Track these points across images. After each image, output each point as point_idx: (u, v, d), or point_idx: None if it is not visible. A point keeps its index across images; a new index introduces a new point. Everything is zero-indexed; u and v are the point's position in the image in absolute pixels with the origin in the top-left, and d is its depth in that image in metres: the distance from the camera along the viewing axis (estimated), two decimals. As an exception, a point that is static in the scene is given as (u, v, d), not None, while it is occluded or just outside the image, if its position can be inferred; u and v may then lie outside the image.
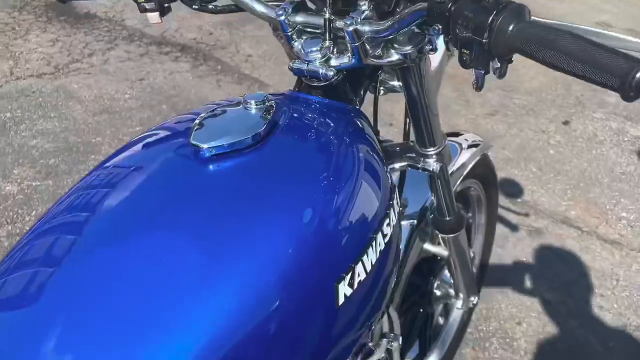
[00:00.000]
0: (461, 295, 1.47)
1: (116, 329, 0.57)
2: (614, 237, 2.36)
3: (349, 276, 0.67)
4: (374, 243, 0.72)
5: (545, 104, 3.38)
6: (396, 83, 0.99)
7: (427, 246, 1.30)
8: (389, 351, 0.81)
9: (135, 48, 3.61)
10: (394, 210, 0.79)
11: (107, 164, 0.75)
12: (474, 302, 1.50)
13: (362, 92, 0.92)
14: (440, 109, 1.02)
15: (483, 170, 1.58)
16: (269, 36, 0.95)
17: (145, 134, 0.80)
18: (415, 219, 1.26)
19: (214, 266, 0.61)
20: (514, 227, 2.41)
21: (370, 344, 0.80)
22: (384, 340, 0.81)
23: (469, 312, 1.83)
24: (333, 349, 0.71)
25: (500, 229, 2.39)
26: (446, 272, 1.50)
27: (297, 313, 0.63)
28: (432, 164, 1.02)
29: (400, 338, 0.83)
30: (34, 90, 3.12)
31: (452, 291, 1.50)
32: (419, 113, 0.95)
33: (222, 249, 0.62)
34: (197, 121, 0.74)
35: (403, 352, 1.64)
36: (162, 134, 0.78)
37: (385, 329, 0.87)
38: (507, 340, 1.92)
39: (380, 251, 0.73)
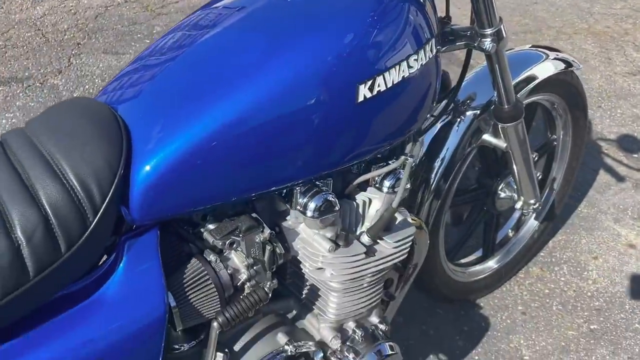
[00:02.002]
0: (522, 197, 1.59)
1: (210, 82, 0.88)
2: None
3: (370, 82, 0.90)
4: (397, 67, 0.93)
5: (699, 71, 3.12)
6: (466, -30, 1.16)
7: (487, 137, 1.45)
8: (404, 166, 1.01)
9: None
10: (424, 54, 0.98)
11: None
12: (534, 207, 1.61)
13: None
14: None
15: (569, 90, 1.65)
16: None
17: None
18: (478, 109, 1.42)
19: (275, 51, 0.88)
20: (620, 178, 2.38)
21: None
22: (403, 157, 1.01)
23: (540, 232, 1.92)
24: (354, 144, 0.95)
25: (604, 176, 2.38)
26: (511, 177, 1.62)
27: (326, 96, 0.88)
28: (487, 44, 1.17)
29: (416, 159, 1.01)
30: (201, 8, 3.64)
31: (515, 195, 1.63)
32: (478, -8, 1.11)
33: (282, 42, 0.89)
34: None
35: (463, 250, 1.82)
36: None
37: (408, 150, 1.07)
38: (578, 269, 1.98)
39: (403, 77, 0.94)
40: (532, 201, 1.59)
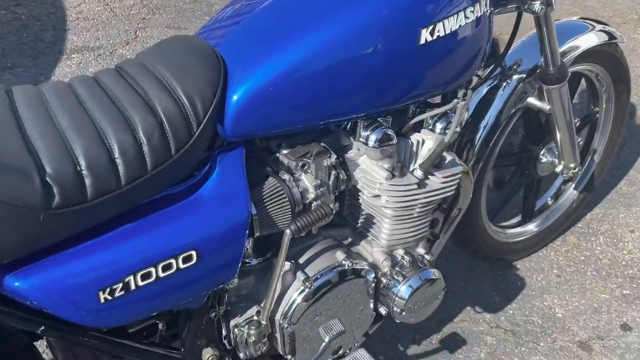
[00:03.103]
0: (563, 161, 1.69)
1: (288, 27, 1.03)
2: None
3: (431, 27, 1.03)
4: (456, 16, 1.06)
5: None
6: None
7: (532, 99, 1.56)
8: (455, 109, 1.14)
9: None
10: (479, 7, 1.11)
11: None
12: (574, 171, 1.71)
13: None
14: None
15: (612, 62, 1.73)
16: None
17: None
18: (524, 73, 1.53)
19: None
20: (664, 161, 2.43)
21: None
22: (455, 100, 1.14)
23: (579, 202, 2.01)
24: (413, 83, 1.08)
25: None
26: (553, 143, 1.72)
27: (392, 37, 1.02)
28: (537, 6, 1.28)
29: (467, 103, 1.13)
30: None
31: (556, 160, 1.73)
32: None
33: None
34: None
35: (503, 215, 1.92)
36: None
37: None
38: (614, 240, 2.06)
39: (460, 26, 1.07)
40: (572, 165, 1.69)
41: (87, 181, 0.84)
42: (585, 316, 1.81)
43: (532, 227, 1.94)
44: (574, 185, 1.98)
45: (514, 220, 1.96)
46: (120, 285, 0.90)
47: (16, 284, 0.84)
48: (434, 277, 1.23)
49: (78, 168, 0.84)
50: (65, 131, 0.88)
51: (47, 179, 0.81)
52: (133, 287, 0.91)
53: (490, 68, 1.47)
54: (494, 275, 1.94)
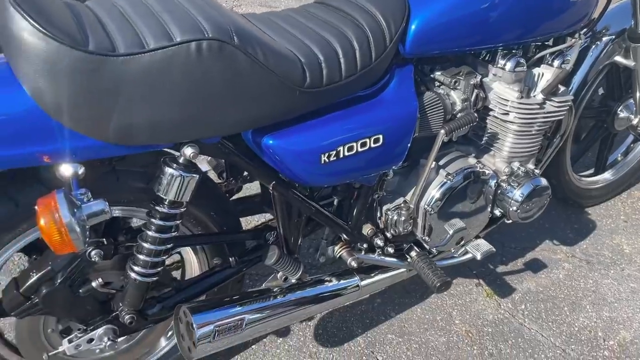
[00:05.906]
0: (639, 115, 1.98)
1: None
2: None
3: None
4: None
5: None
6: None
7: (618, 58, 1.85)
8: (572, 46, 1.45)
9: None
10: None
11: None
12: (648, 123, 2.00)
13: None
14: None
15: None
16: None
17: None
18: (614, 35, 1.83)
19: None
20: None
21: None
22: (572, 40, 1.44)
23: (644, 160, 2.29)
24: (546, 22, 1.39)
25: None
26: (630, 101, 2.01)
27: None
28: (634, -25, 1.58)
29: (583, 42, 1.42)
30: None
31: (632, 116, 2.01)
32: None
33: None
34: None
35: (581, 163, 2.22)
36: None
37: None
38: (675, 196, 2.34)
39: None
40: (646, 118, 1.98)
41: (324, 72, 1.17)
42: (650, 253, 2.09)
43: (605, 177, 2.23)
44: (642, 144, 2.26)
45: (588, 172, 2.25)
46: (334, 152, 1.23)
47: (270, 142, 1.18)
48: (543, 184, 1.54)
49: (319, 61, 1.17)
50: (302, 39, 1.22)
51: (304, 66, 1.14)
52: (341, 155, 1.24)
53: (585, 30, 1.77)
54: (568, 217, 2.23)
